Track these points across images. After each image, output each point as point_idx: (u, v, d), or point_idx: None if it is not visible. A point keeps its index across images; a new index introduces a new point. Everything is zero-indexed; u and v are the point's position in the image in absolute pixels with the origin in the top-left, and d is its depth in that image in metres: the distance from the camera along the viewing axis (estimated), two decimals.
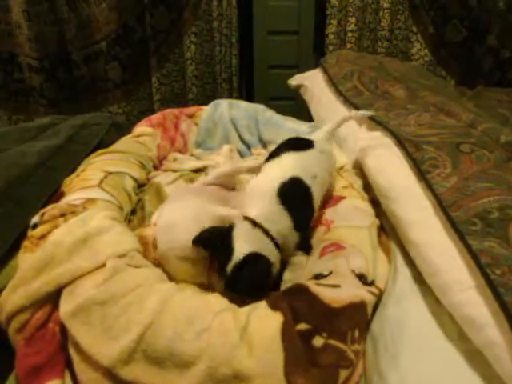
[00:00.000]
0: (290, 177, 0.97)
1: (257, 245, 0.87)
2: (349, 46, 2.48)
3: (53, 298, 0.78)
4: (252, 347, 0.70)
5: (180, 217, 0.97)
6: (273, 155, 1.06)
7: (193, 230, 0.89)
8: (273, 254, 0.89)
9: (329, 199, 1.12)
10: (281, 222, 0.92)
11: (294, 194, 0.96)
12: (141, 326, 0.72)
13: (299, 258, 1.00)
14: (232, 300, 0.83)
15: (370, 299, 0.82)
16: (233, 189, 1.20)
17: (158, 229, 0.98)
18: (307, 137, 1.14)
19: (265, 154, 1.42)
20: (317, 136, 1.15)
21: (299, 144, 1.09)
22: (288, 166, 1.00)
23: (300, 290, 0.80)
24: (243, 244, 0.86)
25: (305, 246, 1.00)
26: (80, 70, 2.38)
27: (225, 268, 0.85)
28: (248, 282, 0.84)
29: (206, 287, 0.93)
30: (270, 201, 0.93)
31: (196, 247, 0.89)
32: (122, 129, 1.59)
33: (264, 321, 0.74)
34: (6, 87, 2.38)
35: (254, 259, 0.85)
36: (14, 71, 2.36)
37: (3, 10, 2.22)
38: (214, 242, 0.88)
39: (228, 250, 0.86)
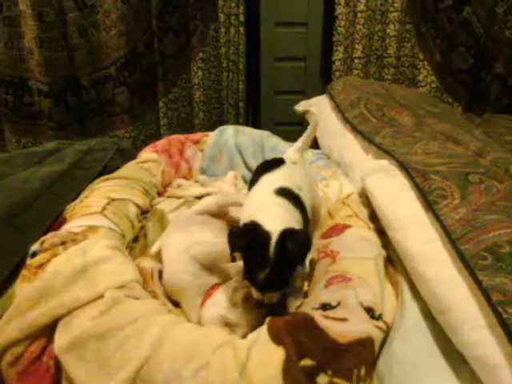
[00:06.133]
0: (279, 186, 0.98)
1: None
2: (355, 72, 2.48)
3: (48, 330, 0.76)
4: None
5: (175, 251, 1.00)
6: (252, 183, 1.07)
7: (184, 265, 0.95)
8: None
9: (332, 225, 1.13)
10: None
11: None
12: (138, 362, 0.69)
13: None
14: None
15: (377, 335, 0.79)
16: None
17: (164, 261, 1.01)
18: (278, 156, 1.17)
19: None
20: (288, 154, 1.17)
21: (271, 165, 1.09)
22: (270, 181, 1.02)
23: (305, 322, 0.77)
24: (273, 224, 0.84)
25: None
26: (88, 94, 2.40)
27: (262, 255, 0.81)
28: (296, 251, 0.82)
29: None
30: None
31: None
32: (128, 154, 1.59)
33: (265, 357, 0.71)
34: (16, 111, 2.41)
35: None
36: (23, 95, 2.38)
37: (16, 36, 2.26)
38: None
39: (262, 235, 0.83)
